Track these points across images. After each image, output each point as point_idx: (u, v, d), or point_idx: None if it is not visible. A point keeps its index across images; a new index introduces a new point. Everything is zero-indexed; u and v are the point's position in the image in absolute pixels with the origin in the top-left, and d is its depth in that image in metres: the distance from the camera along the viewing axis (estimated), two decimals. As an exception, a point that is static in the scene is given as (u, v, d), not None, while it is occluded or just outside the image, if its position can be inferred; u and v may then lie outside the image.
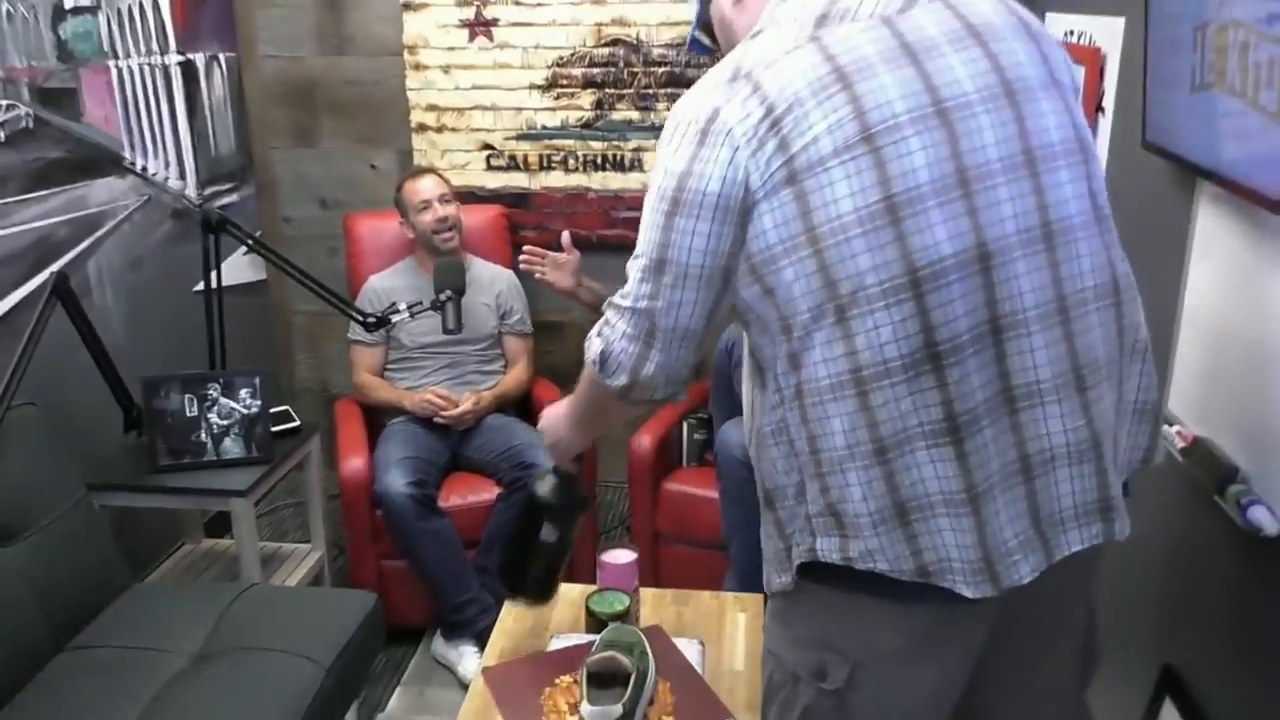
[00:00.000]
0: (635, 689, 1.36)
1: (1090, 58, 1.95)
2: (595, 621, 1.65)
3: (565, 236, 2.20)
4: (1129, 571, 1.87)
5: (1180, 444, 1.54)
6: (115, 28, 2.55)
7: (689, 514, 2.55)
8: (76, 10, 2.39)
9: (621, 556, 1.75)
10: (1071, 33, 2.16)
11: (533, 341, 2.94)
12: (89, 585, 2.07)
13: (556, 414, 1.47)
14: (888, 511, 1.04)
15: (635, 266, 1.13)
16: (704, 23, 1.31)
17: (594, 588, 1.75)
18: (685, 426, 2.71)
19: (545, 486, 1.57)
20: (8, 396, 1.92)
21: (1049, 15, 2.46)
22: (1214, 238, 1.50)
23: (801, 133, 1.02)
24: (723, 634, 1.80)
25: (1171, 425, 1.60)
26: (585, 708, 1.31)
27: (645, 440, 2.58)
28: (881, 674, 1.12)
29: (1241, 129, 1.30)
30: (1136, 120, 1.63)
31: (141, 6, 2.66)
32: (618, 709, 1.30)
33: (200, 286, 2.58)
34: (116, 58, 2.56)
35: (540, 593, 1.64)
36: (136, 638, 1.96)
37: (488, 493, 2.55)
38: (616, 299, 1.15)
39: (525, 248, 2.21)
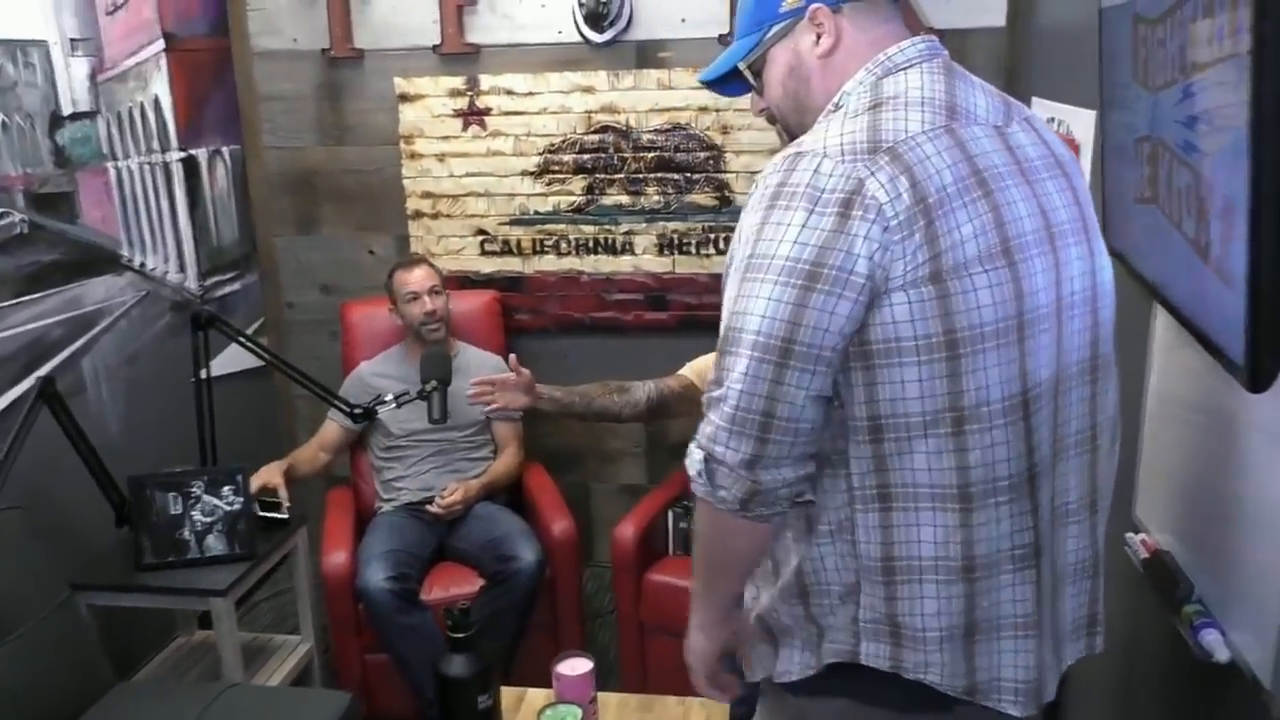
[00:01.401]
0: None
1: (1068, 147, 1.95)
2: (547, 738, 1.63)
3: (512, 358, 2.17)
4: (1097, 678, 1.83)
5: (1143, 554, 1.51)
6: (115, 130, 2.64)
7: (673, 605, 2.51)
8: (75, 116, 2.48)
9: (576, 667, 1.73)
10: (1052, 120, 2.16)
11: (522, 426, 2.95)
12: (72, 687, 2.09)
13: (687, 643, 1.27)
14: (958, 630, 1.06)
15: (741, 350, 0.98)
16: (754, 66, 1.19)
17: (548, 701, 1.73)
18: (670, 515, 2.69)
19: (456, 665, 1.67)
20: (-10, 503, 1.96)
21: (1034, 100, 2.46)
22: (1171, 350, 1.48)
23: (949, 230, 0.97)
24: (685, 745, 1.78)
25: (1137, 533, 1.57)
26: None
27: (628, 529, 2.56)
28: None
29: (1178, 255, 1.28)
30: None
31: (143, 107, 2.75)
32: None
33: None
34: (115, 159, 2.64)
35: None
36: (114, 742, 1.97)
37: (470, 585, 2.54)
38: (717, 394, 1.01)
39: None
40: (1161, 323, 1.52)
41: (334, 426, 2.83)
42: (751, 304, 0.98)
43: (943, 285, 0.96)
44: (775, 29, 1.15)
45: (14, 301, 2.29)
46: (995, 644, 1.08)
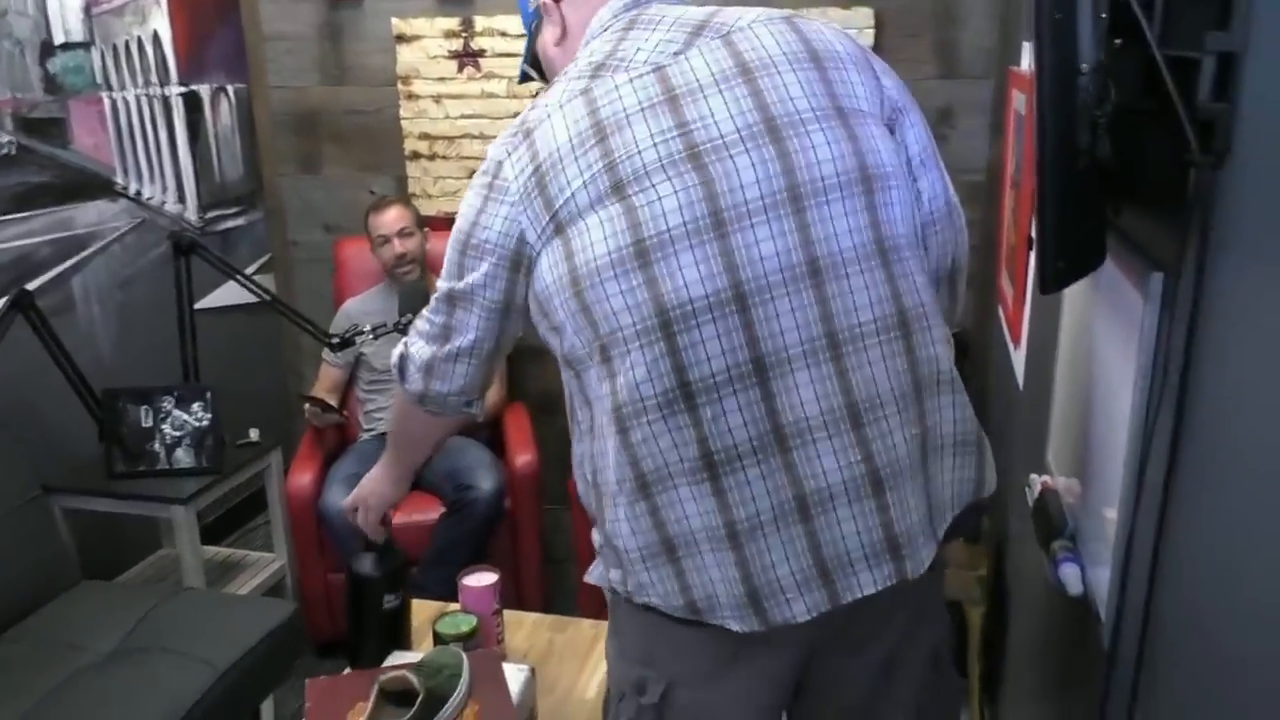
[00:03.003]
0: (420, 709, 1.37)
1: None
2: (440, 643, 1.66)
3: None
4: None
5: (1036, 494, 1.48)
6: (110, 62, 2.73)
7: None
8: (67, 46, 2.58)
9: (480, 579, 1.76)
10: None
11: (505, 365, 2.99)
12: (38, 580, 2.20)
13: (370, 475, 1.60)
14: (655, 547, 1.08)
15: (436, 292, 1.21)
16: (532, 56, 1.34)
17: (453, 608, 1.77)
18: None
19: (365, 563, 1.69)
20: (-45, 402, 2.07)
21: (1025, 44, 2.39)
22: (1079, 290, 1.44)
23: (562, 188, 1.08)
24: (587, 662, 1.80)
25: (1040, 475, 1.54)
26: (362, 724, 1.33)
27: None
28: (692, 694, 1.15)
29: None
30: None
31: (140, 41, 2.85)
32: (393, 727, 1.32)
33: (199, 304, 2.74)
34: (111, 89, 2.74)
35: (381, 656, 1.69)
36: (64, 633, 2.08)
37: (433, 512, 2.60)
38: (419, 318, 1.25)
39: None
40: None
41: (329, 369, 2.92)
42: (445, 257, 1.20)
43: (564, 235, 1.08)
44: (535, 27, 1.29)
45: (2, 218, 2.41)
46: (699, 559, 1.07)
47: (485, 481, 2.56)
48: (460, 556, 2.54)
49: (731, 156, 1.05)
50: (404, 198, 3.03)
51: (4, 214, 2.41)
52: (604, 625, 1.90)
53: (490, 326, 1.19)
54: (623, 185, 1.06)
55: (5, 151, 2.41)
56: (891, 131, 1.16)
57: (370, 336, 2.67)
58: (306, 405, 2.75)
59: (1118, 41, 0.93)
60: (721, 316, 1.04)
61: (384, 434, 2.78)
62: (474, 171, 3.09)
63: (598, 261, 1.06)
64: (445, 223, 3.17)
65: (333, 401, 2.85)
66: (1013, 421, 2.06)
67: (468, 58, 3.11)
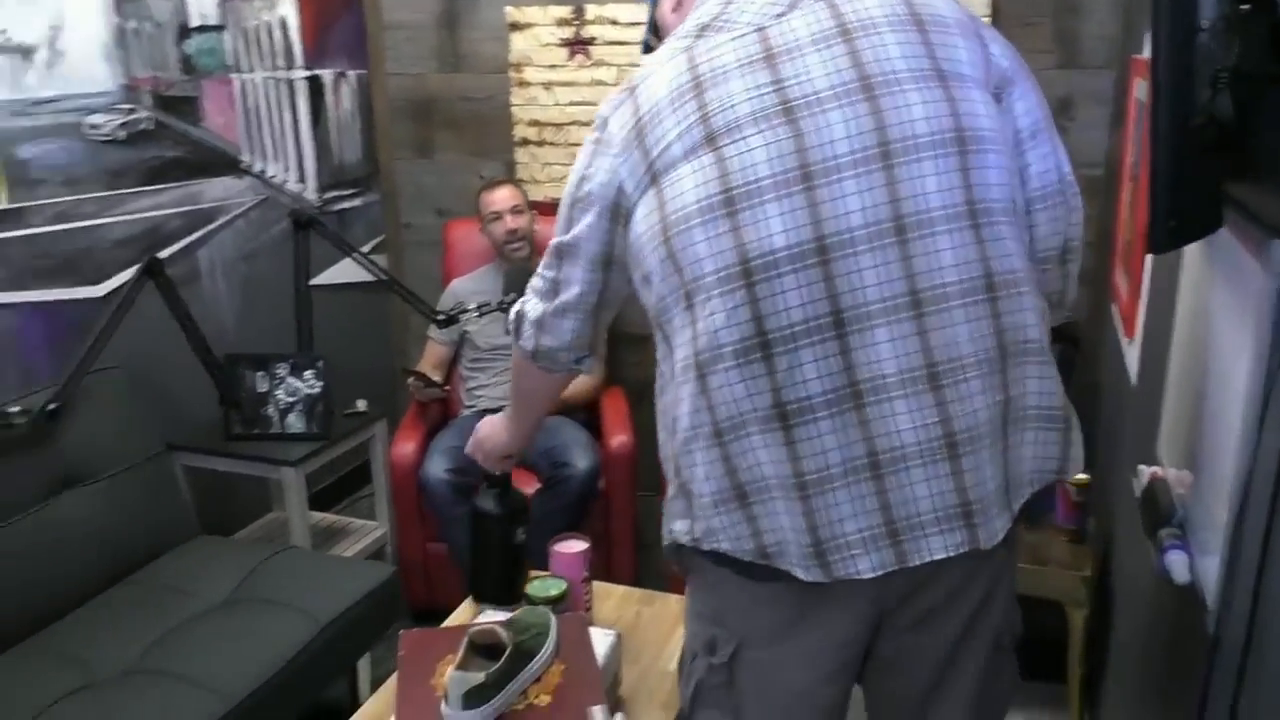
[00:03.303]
0: (506, 663, 1.39)
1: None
2: (530, 604, 1.70)
3: None
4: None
5: (1144, 484, 1.43)
6: (240, 45, 2.87)
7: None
8: (201, 29, 2.72)
9: (571, 546, 1.79)
10: None
11: (606, 349, 3.02)
12: (155, 530, 2.33)
13: (491, 418, 1.68)
14: (728, 492, 1.09)
15: (548, 248, 1.27)
16: (654, 26, 1.38)
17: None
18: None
19: (487, 500, 1.79)
20: (90, 359, 2.20)
21: (1147, 33, 2.31)
22: (1196, 274, 1.39)
23: (658, 140, 1.11)
24: (672, 636, 1.81)
25: (1150, 465, 1.49)
26: (450, 672, 1.37)
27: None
28: (760, 653, 1.17)
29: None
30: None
31: (269, 26, 2.98)
32: (479, 677, 1.35)
33: (314, 281, 2.86)
34: (240, 71, 2.88)
35: (507, 595, 1.79)
36: (180, 581, 2.19)
37: (528, 487, 2.64)
38: (534, 276, 1.31)
39: None
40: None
41: (434, 346, 3.00)
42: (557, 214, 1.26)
43: (658, 186, 1.11)
44: None
45: (137, 190, 2.55)
46: (770, 505, 1.08)
47: (581, 460, 2.60)
48: (553, 531, 2.57)
49: (824, 111, 1.06)
50: (514, 179, 3.09)
51: (140, 186, 2.55)
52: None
53: (593, 280, 1.23)
54: (715, 136, 1.07)
55: (145, 127, 2.55)
56: (999, 100, 1.14)
57: (475, 314, 2.74)
58: (410, 379, 2.83)
59: (1245, 6, 0.90)
60: (803, 268, 1.04)
61: (484, 410, 2.85)
62: (581, 158, 3.22)
63: (686, 209, 1.08)
64: (551, 208, 3.23)
65: (436, 378, 2.92)
66: (1124, 417, 1.99)
67: (578, 45, 3.16)
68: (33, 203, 2.28)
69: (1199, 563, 1.14)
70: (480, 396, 2.91)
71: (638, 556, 2.81)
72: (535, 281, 1.30)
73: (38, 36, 2.26)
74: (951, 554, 1.08)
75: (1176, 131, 0.89)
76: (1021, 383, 1.11)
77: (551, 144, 3.27)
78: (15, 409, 2.05)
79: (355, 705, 2.28)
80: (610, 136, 1.16)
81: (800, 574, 1.08)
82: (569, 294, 1.25)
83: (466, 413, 2.91)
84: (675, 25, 1.27)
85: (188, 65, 2.69)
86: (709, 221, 1.07)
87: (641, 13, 3.05)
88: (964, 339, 1.06)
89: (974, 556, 1.11)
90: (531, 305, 1.31)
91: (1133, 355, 1.91)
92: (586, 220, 1.19)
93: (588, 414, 2.94)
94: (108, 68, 2.45)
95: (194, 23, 2.69)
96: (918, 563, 1.08)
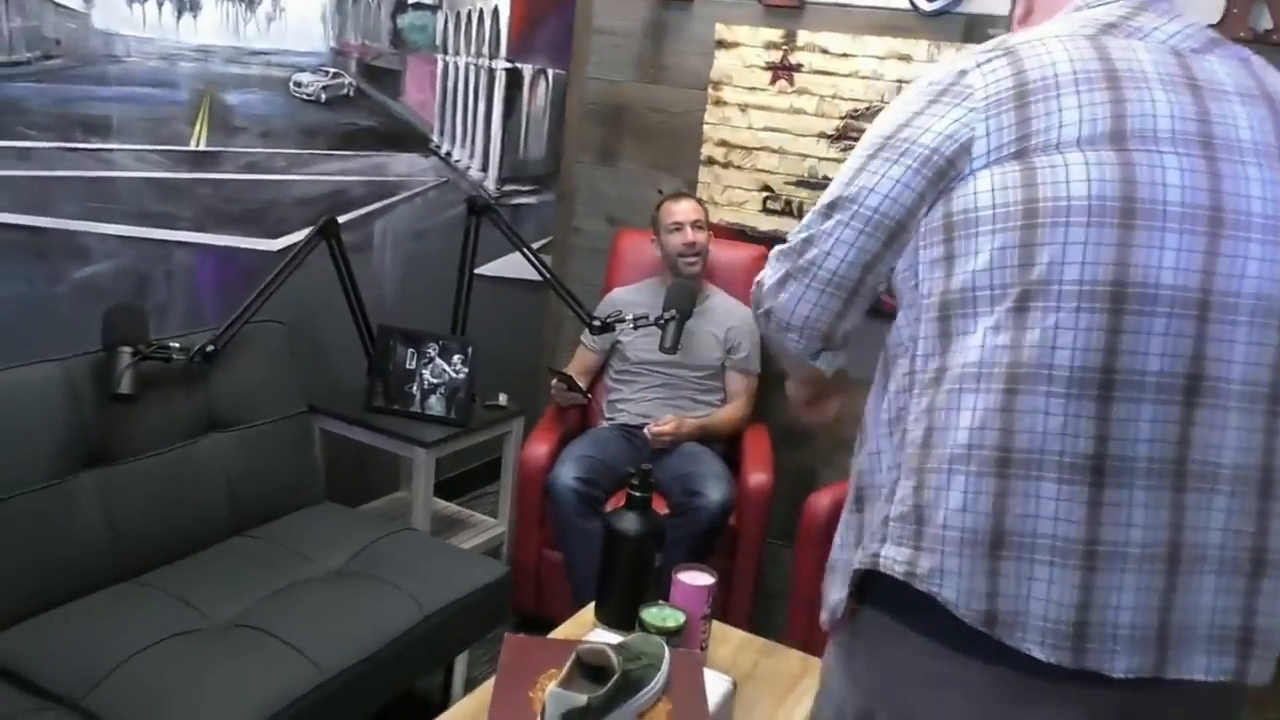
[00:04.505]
0: (613, 689, 1.28)
1: None
2: (644, 631, 1.58)
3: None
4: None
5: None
6: (451, 26, 2.90)
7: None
8: (417, 5, 2.75)
9: (696, 578, 1.67)
10: None
11: (757, 383, 2.89)
12: (282, 488, 2.33)
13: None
14: (982, 535, 0.93)
15: (817, 205, 1.09)
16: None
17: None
18: (876, 500, 2.52)
19: (625, 518, 1.73)
20: (253, 309, 2.22)
21: None
22: None
23: (1049, 112, 0.96)
24: (790, 694, 1.66)
25: None
26: (551, 688, 1.26)
27: (824, 498, 2.42)
28: None
29: None
30: None
31: (482, 13, 3.01)
32: (581, 699, 1.24)
33: (479, 270, 2.85)
34: (446, 52, 2.90)
35: (629, 619, 1.67)
36: (299, 543, 2.18)
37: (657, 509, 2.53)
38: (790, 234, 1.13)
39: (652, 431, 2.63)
40: None
41: (584, 352, 2.94)
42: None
43: (1029, 161, 0.96)
44: None
45: (328, 152, 2.59)
46: (1026, 567, 0.91)
47: (715, 491, 2.47)
48: (675, 561, 2.45)
49: (1244, 165, 0.95)
50: (695, 195, 3.01)
51: (331, 149, 2.59)
52: (811, 661, 1.77)
53: (869, 246, 1.03)
54: (1125, 137, 0.94)
55: (345, 92, 2.59)
56: None
57: (630, 325, 2.66)
58: (554, 380, 2.77)
59: None
60: (1178, 318, 0.92)
61: (624, 424, 2.76)
62: (765, 186, 3.12)
63: (1071, 202, 0.93)
64: (727, 231, 3.17)
65: (581, 384, 2.85)
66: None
67: (783, 70, 3.06)
68: (228, 149, 2.34)
69: None
70: (622, 410, 2.82)
71: (757, 604, 2.66)
72: (789, 237, 1.10)
73: (263, -10, 2.33)
74: (1210, 678, 0.93)
75: None
76: None
77: (737, 167, 3.18)
78: (176, 344, 2.08)
79: (447, 702, 2.21)
80: (967, 88, 0.99)
81: (1037, 652, 0.91)
82: (817, 252, 1.05)
83: (605, 425, 2.83)
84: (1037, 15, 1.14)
85: (397, 39, 2.73)
86: (1095, 225, 0.92)
87: (853, 45, 2.96)
88: None
89: (1221, 702, 0.97)
90: (770, 268, 1.11)
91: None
92: (891, 171, 1.01)
93: (727, 446, 2.81)
94: (322, 30, 2.50)
95: (411, -1, 2.73)
96: (1171, 676, 0.92)
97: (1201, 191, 0.93)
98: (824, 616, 1.11)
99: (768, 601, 2.82)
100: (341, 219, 2.60)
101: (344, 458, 2.67)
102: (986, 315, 0.95)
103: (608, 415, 2.86)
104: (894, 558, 0.97)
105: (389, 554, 2.16)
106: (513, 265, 3.21)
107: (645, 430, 2.68)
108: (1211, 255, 0.92)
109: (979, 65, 1.00)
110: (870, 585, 1.01)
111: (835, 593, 1.07)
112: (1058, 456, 0.91)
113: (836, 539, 1.12)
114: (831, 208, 1.04)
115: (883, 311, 1.12)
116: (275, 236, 2.50)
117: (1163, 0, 1.05)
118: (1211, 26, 1.14)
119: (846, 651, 1.08)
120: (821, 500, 2.44)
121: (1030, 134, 0.96)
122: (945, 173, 0.98)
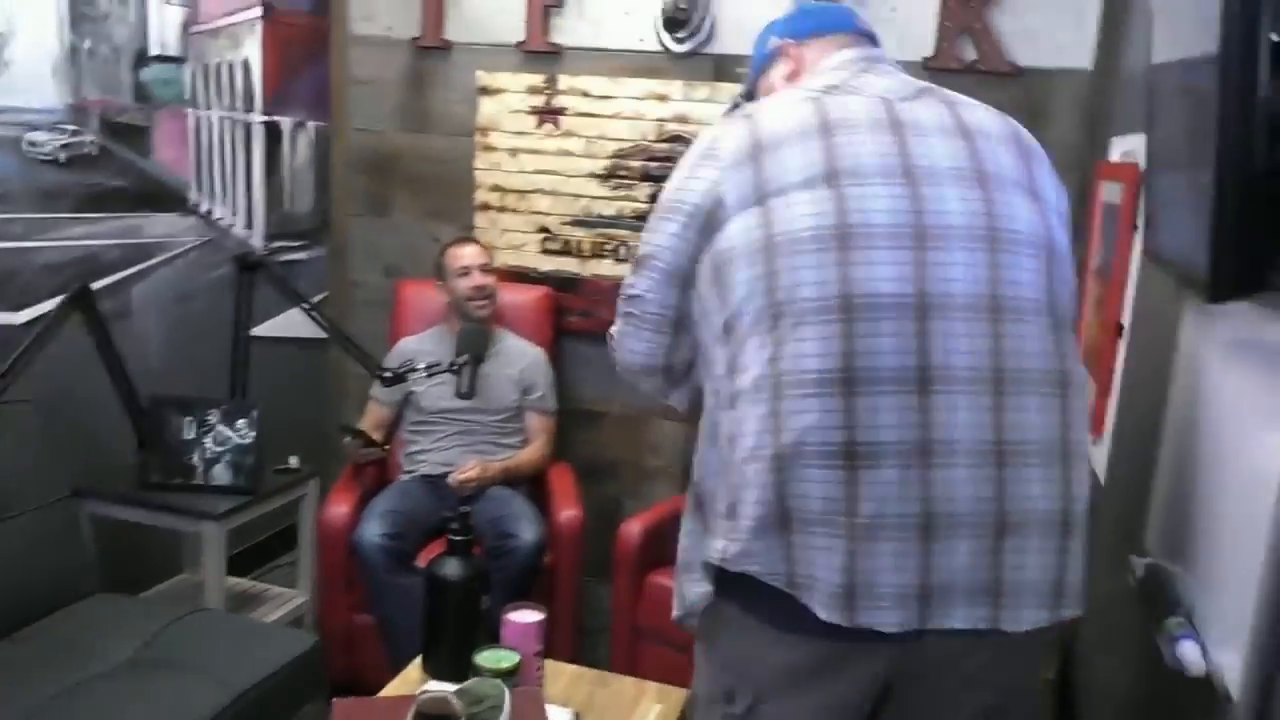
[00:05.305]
0: (459, 735, 1.25)
1: (1130, 175, 1.86)
2: (478, 675, 1.55)
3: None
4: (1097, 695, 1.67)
5: (1140, 573, 1.38)
6: (200, 81, 2.77)
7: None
8: (161, 58, 2.61)
9: (525, 616, 1.66)
10: (1128, 153, 2.06)
11: (554, 421, 2.91)
12: (56, 585, 2.11)
13: None
14: (773, 517, 1.09)
15: (634, 260, 1.30)
16: (750, 94, 1.47)
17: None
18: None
19: (447, 564, 1.71)
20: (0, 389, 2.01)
21: (1113, 139, 2.36)
22: (1193, 354, 1.36)
23: (776, 163, 1.16)
24: (631, 718, 1.67)
25: (1143, 557, 1.44)
26: (396, 744, 1.22)
27: (635, 526, 2.48)
28: (776, 706, 1.14)
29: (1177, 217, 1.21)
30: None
31: (232, 66, 2.89)
32: (429, 751, 1.20)
33: (253, 331, 2.70)
34: (197, 106, 2.76)
35: (463, 668, 1.63)
36: (77, 639, 1.98)
37: (468, 558, 2.48)
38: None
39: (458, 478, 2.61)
40: (1187, 322, 1.40)
41: (375, 407, 2.86)
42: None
43: (766, 205, 1.14)
44: (765, 66, 1.42)
45: (73, 215, 2.40)
46: (810, 538, 1.07)
47: (527, 532, 2.46)
48: (498, 603, 2.42)
49: (941, 186, 1.13)
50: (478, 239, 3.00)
51: (78, 212, 2.40)
52: (646, 685, 1.80)
53: (665, 289, 1.24)
54: (838, 175, 1.13)
55: (88, 150, 2.41)
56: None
57: (424, 374, 2.62)
58: (347, 438, 2.68)
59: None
60: (902, 319, 1.08)
61: (426, 475, 2.70)
62: (542, 228, 3.17)
63: (798, 234, 1.11)
64: (508, 274, 3.18)
65: (376, 438, 2.77)
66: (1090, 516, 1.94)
67: (548, 114, 3.12)
68: (-42, 217, 2.12)
69: (1212, 654, 1.09)
70: (422, 461, 2.76)
71: (580, 640, 2.65)
72: (621, 295, 1.31)
73: (-15, 44, 2.14)
74: (966, 625, 1.08)
75: (1236, 171, 0.87)
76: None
77: (513, 210, 3.20)
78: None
79: (264, 788, 2.06)
80: (720, 150, 1.19)
81: (821, 613, 1.07)
82: (641, 303, 1.26)
83: (406, 477, 2.75)
84: (782, 91, 1.35)
85: (141, 93, 2.57)
86: (819, 250, 1.10)
87: (613, 86, 3.07)
88: (1033, 425, 1.10)
89: (997, 648, 1.11)
90: (616, 325, 1.32)
91: (1100, 455, 1.88)
92: (670, 228, 1.21)
93: (532, 486, 2.81)
94: (55, 85, 2.32)
95: (153, 51, 2.58)
96: (935, 625, 1.07)
97: (905, 213, 1.11)
98: (677, 613, 1.24)
99: (588, 638, 2.83)
100: (95, 285, 2.41)
101: (117, 543, 2.45)
102: (755, 336, 1.12)
103: (407, 468, 2.79)
104: (721, 550, 1.13)
105: (184, 638, 2.00)
106: (287, 324, 3.07)
107: (449, 479, 2.63)
108: (920, 265, 1.09)
109: (729, 130, 1.21)
110: (717, 579, 1.16)
111: (694, 588, 1.20)
112: (818, 446, 1.07)
113: (682, 540, 1.26)
114: (639, 264, 1.26)
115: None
116: (19, 309, 2.28)
117: (883, 63, 1.29)
118: (926, 59, 1.51)
119: (706, 640, 1.22)
120: (633, 528, 2.49)
121: (765, 181, 1.15)
122: (711, 221, 1.18)
